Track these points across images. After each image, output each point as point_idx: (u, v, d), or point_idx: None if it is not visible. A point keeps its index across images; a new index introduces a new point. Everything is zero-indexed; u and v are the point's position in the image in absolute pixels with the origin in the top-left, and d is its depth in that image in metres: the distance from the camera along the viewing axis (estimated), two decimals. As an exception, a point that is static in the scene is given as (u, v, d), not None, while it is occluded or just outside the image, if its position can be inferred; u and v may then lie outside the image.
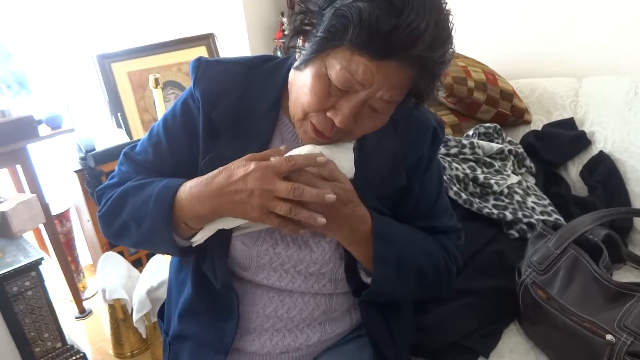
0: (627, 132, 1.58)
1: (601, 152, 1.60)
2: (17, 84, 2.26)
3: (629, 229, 1.49)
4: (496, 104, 1.75)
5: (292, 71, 0.78)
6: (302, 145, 0.78)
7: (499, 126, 1.68)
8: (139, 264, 2.39)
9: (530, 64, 1.98)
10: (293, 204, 0.69)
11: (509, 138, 1.70)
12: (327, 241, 0.85)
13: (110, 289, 1.90)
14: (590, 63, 1.87)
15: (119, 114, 2.38)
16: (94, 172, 2.09)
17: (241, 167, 0.71)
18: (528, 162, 1.63)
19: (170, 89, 2.57)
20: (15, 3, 2.16)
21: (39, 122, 2.05)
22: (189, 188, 0.76)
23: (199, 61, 0.87)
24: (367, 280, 0.83)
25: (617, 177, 1.55)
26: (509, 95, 1.77)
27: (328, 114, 0.72)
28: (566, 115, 1.73)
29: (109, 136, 2.25)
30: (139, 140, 0.95)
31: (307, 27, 0.73)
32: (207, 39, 2.63)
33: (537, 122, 1.79)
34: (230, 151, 0.80)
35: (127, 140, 2.22)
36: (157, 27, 2.54)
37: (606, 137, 1.62)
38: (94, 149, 2.15)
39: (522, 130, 1.80)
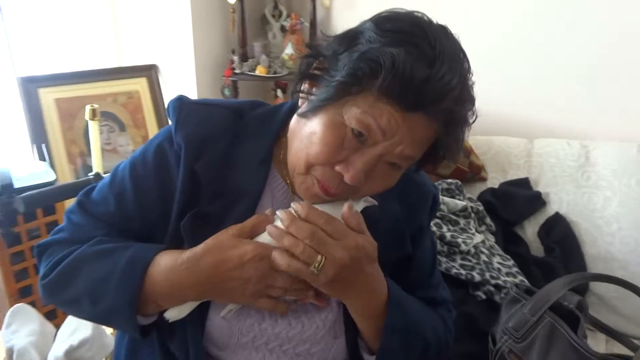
0: (580, 195, 1.63)
1: (557, 213, 1.63)
2: None
3: (584, 291, 1.51)
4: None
5: (294, 119, 0.71)
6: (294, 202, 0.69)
7: (460, 182, 1.67)
8: (53, 316, 2.08)
9: (485, 121, 2.00)
10: (292, 280, 0.65)
11: (468, 195, 1.69)
12: (322, 317, 0.75)
13: (19, 348, 1.61)
14: (540, 125, 1.94)
15: (43, 145, 2.12)
16: (8, 208, 1.82)
17: (234, 250, 0.64)
18: (488, 220, 1.63)
19: (103, 120, 2.36)
20: None
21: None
22: (164, 269, 0.66)
23: (180, 101, 0.77)
24: (369, 359, 0.76)
25: (573, 239, 1.58)
26: (466, 152, 1.78)
27: (337, 167, 0.64)
28: (521, 175, 1.77)
29: (29, 169, 1.99)
30: (93, 184, 0.81)
31: (317, 72, 0.66)
32: (148, 71, 2.45)
33: (493, 180, 1.80)
34: (213, 209, 0.71)
35: (52, 174, 1.97)
36: (93, 53, 2.34)
37: (561, 199, 1.66)
38: (11, 182, 1.88)
39: (479, 187, 1.81)
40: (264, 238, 0.67)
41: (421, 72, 0.58)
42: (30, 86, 2.20)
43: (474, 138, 1.88)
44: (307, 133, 0.66)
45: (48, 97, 2.25)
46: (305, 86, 0.69)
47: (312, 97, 0.66)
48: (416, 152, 0.66)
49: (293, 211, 0.65)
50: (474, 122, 0.68)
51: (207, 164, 0.72)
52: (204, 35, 2.29)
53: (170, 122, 0.76)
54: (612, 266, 1.53)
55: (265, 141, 0.75)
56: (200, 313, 0.72)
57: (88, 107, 1.79)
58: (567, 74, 1.90)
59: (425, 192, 0.85)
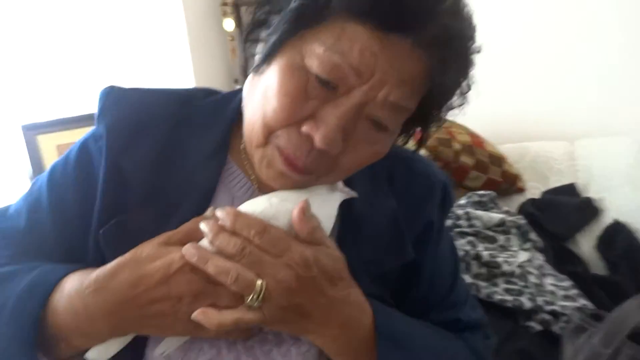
0: (641, 197, 1.37)
1: (616, 221, 1.39)
2: None
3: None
4: (486, 170, 1.52)
5: (247, 82, 0.56)
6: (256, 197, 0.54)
7: (494, 194, 1.44)
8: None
9: (513, 127, 1.81)
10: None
11: (505, 208, 1.45)
12: (301, 352, 0.56)
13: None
14: (579, 124, 1.72)
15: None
16: None
17: (156, 261, 0.49)
18: (533, 235, 1.38)
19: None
20: None
21: None
22: (67, 295, 0.51)
23: (111, 87, 0.62)
24: None
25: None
26: (498, 160, 1.56)
27: (304, 128, 0.49)
28: (565, 181, 1.55)
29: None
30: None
31: (272, 16, 0.52)
32: (152, 110, 2.36)
33: (533, 190, 1.58)
34: (145, 217, 0.56)
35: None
36: (92, 96, 2.26)
37: (618, 204, 1.44)
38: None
39: (516, 200, 1.59)
40: (203, 246, 0.50)
41: None
42: (30, 133, 2.12)
43: (505, 146, 1.68)
44: (261, 90, 0.52)
45: (49, 143, 2.17)
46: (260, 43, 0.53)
47: (266, 43, 0.51)
48: (406, 99, 0.50)
49: (219, 218, 0.48)
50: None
51: (137, 158, 0.57)
52: (204, 66, 2.19)
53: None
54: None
55: (217, 130, 0.60)
56: (135, 352, 0.54)
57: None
58: (603, 66, 1.71)
59: (430, 182, 0.67)
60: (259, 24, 0.53)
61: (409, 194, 0.66)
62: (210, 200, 0.59)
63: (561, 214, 1.44)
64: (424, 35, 0.47)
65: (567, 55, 1.76)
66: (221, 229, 0.48)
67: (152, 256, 0.49)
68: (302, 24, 0.48)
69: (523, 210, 1.50)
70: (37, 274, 0.54)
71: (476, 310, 0.73)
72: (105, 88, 0.62)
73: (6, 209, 0.65)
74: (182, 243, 0.50)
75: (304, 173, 0.51)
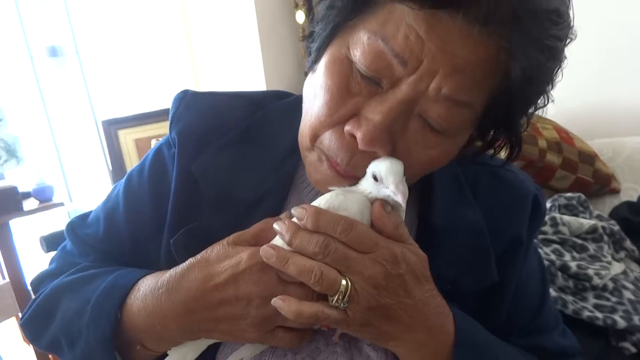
0: None
1: None
2: (6, 152, 2.03)
3: None
4: (575, 169, 1.39)
5: (306, 81, 0.54)
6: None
7: (583, 196, 1.30)
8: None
9: (606, 119, 1.64)
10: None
11: (596, 212, 1.31)
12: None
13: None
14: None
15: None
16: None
17: (225, 260, 0.47)
18: (628, 243, 1.23)
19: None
20: (11, 61, 1.97)
21: (26, 194, 1.80)
22: (142, 295, 0.52)
23: (184, 93, 0.63)
24: None
25: None
26: (589, 158, 1.41)
27: (347, 127, 0.46)
28: None
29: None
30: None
31: (329, 11, 0.49)
32: (224, 103, 2.39)
33: (629, 191, 1.42)
34: (218, 223, 0.55)
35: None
36: (169, 90, 2.33)
37: None
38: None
39: (609, 202, 1.43)
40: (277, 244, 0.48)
41: None
42: (111, 128, 2.22)
43: (597, 142, 1.52)
44: (312, 91, 0.50)
45: (128, 138, 2.27)
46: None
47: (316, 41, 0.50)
48: (464, 91, 0.44)
49: (296, 219, 0.45)
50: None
51: (208, 163, 0.57)
52: (274, 60, 2.17)
53: None
54: None
55: (289, 133, 0.58)
56: None
57: (153, 141, 1.72)
58: None
59: (519, 193, 0.61)
60: (319, 20, 0.50)
61: (495, 205, 0.60)
62: (283, 206, 0.58)
63: (663, 219, 1.28)
64: (479, 8, 0.40)
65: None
66: (298, 227, 0.45)
67: (220, 256, 0.48)
68: (350, 12, 0.45)
69: (616, 214, 1.35)
70: (116, 275, 0.56)
71: (567, 336, 0.66)
72: (179, 93, 0.63)
73: (86, 215, 0.69)
74: (252, 243, 0.49)
75: (349, 178, 0.48)
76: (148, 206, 0.61)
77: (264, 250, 0.45)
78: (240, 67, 2.23)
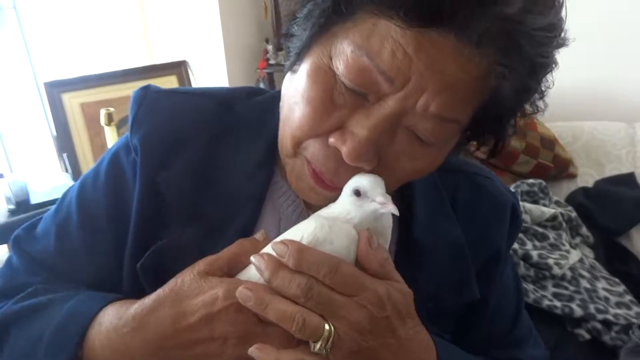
0: None
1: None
2: None
3: None
4: (536, 154, 1.41)
5: (285, 79, 0.50)
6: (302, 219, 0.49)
7: (544, 183, 1.33)
8: None
9: (565, 102, 1.66)
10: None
11: (555, 198, 1.35)
12: None
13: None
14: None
15: (64, 155, 1.97)
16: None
17: (198, 296, 0.43)
18: (584, 230, 1.28)
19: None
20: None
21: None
22: (105, 331, 0.47)
23: (144, 90, 0.56)
24: None
25: None
26: (550, 143, 1.44)
27: (331, 139, 0.44)
28: (623, 169, 1.43)
29: (50, 182, 1.83)
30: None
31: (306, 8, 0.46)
32: (178, 68, 2.25)
33: (585, 177, 1.47)
34: (187, 239, 0.51)
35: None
36: (118, 54, 2.17)
37: None
38: (27, 198, 1.72)
39: (566, 187, 1.47)
40: (250, 274, 0.44)
41: None
42: (54, 91, 2.07)
43: (555, 125, 1.53)
44: (292, 93, 0.47)
45: (73, 102, 2.12)
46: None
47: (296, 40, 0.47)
48: (452, 109, 0.42)
49: (276, 253, 0.41)
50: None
51: (175, 173, 0.52)
52: (234, 24, 2.06)
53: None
54: None
55: (263, 137, 0.54)
56: None
57: (103, 111, 1.60)
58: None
59: (499, 203, 0.60)
60: (295, 16, 0.46)
61: (474, 217, 0.59)
62: (258, 218, 0.54)
63: (616, 206, 1.33)
64: (472, 29, 0.38)
65: (634, 23, 1.58)
66: (279, 265, 0.41)
67: (193, 290, 0.44)
68: (332, 20, 0.42)
69: (572, 199, 1.40)
70: (76, 302, 0.50)
71: (537, 346, 0.67)
72: (139, 91, 0.56)
73: (33, 225, 0.61)
74: (225, 271, 0.45)
75: (333, 189, 0.46)
76: (105, 217, 0.55)
77: (240, 292, 0.41)
78: (197, 29, 2.11)
